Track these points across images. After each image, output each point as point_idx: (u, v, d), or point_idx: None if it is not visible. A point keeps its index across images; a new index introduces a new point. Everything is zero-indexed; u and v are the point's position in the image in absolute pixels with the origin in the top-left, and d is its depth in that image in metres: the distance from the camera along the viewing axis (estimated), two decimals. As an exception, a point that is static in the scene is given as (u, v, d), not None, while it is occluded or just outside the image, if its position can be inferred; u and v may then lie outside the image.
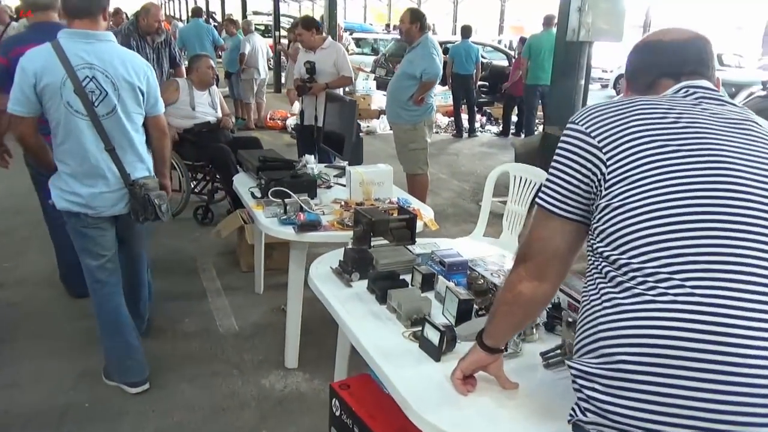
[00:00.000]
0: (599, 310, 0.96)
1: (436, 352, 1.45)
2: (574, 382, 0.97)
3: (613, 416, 0.91)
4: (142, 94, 2.31)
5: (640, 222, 0.93)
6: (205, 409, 2.37)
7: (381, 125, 8.54)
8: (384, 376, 1.42)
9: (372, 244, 2.06)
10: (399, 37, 11.22)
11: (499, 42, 15.41)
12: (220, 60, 9.14)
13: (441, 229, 2.68)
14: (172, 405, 2.39)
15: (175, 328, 2.98)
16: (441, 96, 8.69)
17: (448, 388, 1.33)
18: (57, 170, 2.29)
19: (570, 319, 1.44)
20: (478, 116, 9.32)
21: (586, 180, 1.02)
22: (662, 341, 0.87)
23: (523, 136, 8.42)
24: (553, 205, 1.06)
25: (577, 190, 1.03)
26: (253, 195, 2.78)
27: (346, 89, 6.66)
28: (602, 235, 0.99)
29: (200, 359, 2.72)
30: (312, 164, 3.07)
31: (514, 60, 9.10)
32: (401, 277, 1.86)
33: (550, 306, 1.58)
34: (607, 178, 0.98)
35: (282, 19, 12.60)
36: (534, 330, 1.56)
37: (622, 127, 0.99)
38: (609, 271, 0.96)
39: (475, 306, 1.68)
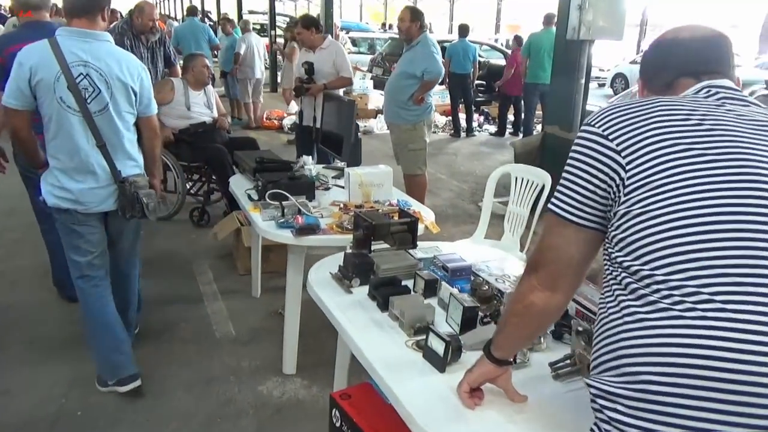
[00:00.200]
0: (620, 324, 0.91)
1: (441, 363, 1.40)
2: (593, 401, 0.92)
3: None
4: (135, 94, 2.35)
5: (663, 231, 0.88)
6: (201, 418, 2.31)
7: (378, 125, 8.48)
8: (387, 389, 1.37)
9: (372, 248, 2.01)
10: (396, 35, 11.19)
11: (496, 41, 15.39)
12: (216, 59, 9.06)
13: (441, 231, 2.62)
14: (167, 413, 2.33)
15: (170, 334, 2.91)
16: (438, 95, 8.64)
17: (454, 401, 1.28)
18: (45, 168, 2.34)
19: (579, 328, 1.39)
20: (475, 115, 9.27)
21: (603, 185, 0.96)
22: (692, 360, 0.82)
23: (521, 135, 8.38)
24: (568, 212, 1.00)
25: (593, 196, 0.98)
26: (249, 197, 2.72)
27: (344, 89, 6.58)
28: (621, 244, 0.93)
29: (196, 365, 2.66)
30: (310, 165, 3.01)
31: (509, 57, 9.04)
32: (403, 283, 1.81)
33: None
34: (627, 183, 0.93)
35: (278, 18, 12.53)
36: (542, 339, 1.51)
37: (643, 130, 0.94)
38: (629, 283, 0.91)
39: (480, 313, 1.63)
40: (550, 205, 1.04)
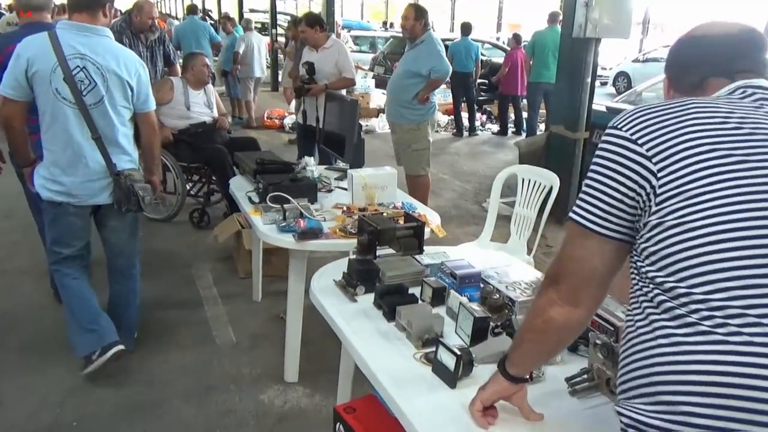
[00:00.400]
0: (653, 347, 0.83)
1: (451, 378, 1.32)
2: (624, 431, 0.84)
3: None
4: (131, 90, 2.37)
5: (702, 245, 0.81)
6: (200, 429, 2.25)
7: (380, 124, 8.41)
8: (394, 405, 1.30)
9: (377, 254, 1.94)
10: (398, 34, 11.11)
11: (498, 39, 15.29)
12: (216, 58, 8.98)
13: (445, 232, 2.55)
14: (165, 424, 2.26)
15: (169, 339, 2.84)
16: (441, 94, 8.55)
17: (466, 420, 1.21)
18: (30, 167, 2.41)
19: (598, 341, 1.31)
20: (478, 114, 9.19)
21: (631, 194, 0.89)
22: (740, 392, 0.74)
23: (523, 134, 8.30)
24: (592, 222, 0.93)
25: (620, 205, 0.90)
26: (250, 200, 2.65)
27: (345, 88, 6.46)
28: (653, 258, 0.86)
29: (195, 373, 2.59)
30: (312, 166, 2.94)
31: (505, 55, 8.95)
32: (410, 290, 1.74)
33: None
34: (658, 192, 0.85)
35: (279, 17, 12.44)
36: (557, 351, 1.44)
37: (676, 134, 0.86)
38: (663, 301, 0.84)
39: (491, 323, 1.55)
40: (571, 214, 0.96)
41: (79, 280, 2.50)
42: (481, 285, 1.76)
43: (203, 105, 4.40)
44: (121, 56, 2.33)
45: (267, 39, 10.06)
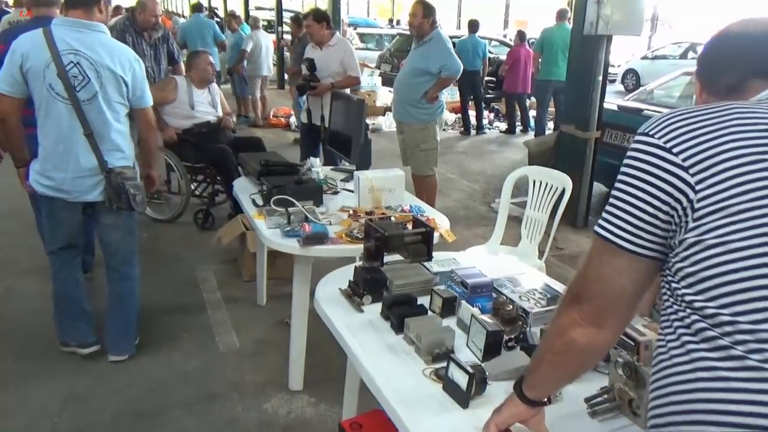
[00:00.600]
0: (692, 380, 0.75)
1: (463, 398, 1.25)
2: None
3: None
4: (126, 85, 2.35)
5: (749, 268, 0.72)
6: (202, 439, 2.19)
7: (387, 123, 8.33)
8: (402, 426, 1.22)
9: (384, 260, 1.87)
10: (405, 31, 11.00)
11: (505, 36, 15.15)
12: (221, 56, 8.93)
13: (453, 234, 2.47)
14: (166, 433, 2.20)
15: (171, 345, 2.78)
16: (448, 92, 8.45)
17: (480, 444, 1.13)
18: (24, 166, 2.43)
19: (619, 359, 1.24)
20: (485, 113, 9.09)
21: (665, 208, 0.80)
22: None
23: (530, 133, 8.20)
24: (621, 238, 0.84)
25: (652, 220, 0.82)
26: (254, 202, 2.58)
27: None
28: (690, 280, 0.78)
29: (198, 381, 2.53)
30: (317, 168, 2.87)
31: (508, 52, 8.83)
32: (419, 300, 1.66)
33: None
34: (696, 206, 0.77)
35: (285, 14, 12.36)
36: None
37: (715, 143, 0.78)
38: (702, 328, 0.75)
39: (504, 336, 1.48)
40: (597, 229, 0.88)
41: (71, 278, 2.55)
42: (494, 295, 1.69)
43: (207, 104, 4.33)
44: (115, 52, 2.32)
45: (273, 37, 10.01)
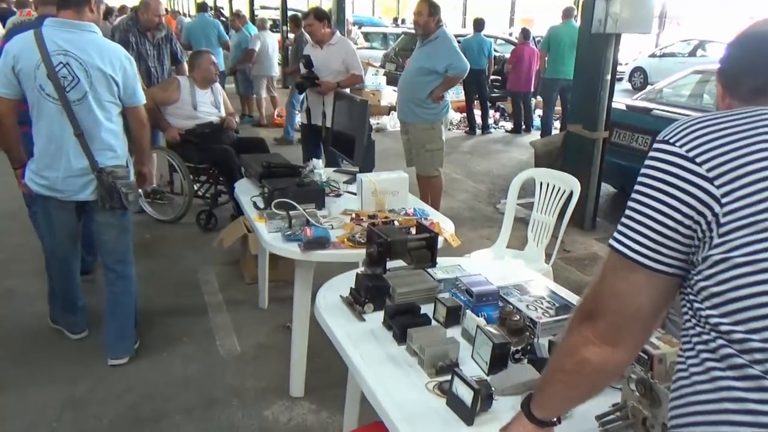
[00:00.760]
0: (717, 411, 0.70)
1: (468, 415, 1.20)
2: None
3: None
4: (117, 85, 2.35)
5: None
6: (201, 447, 2.14)
7: (391, 122, 8.27)
8: (405, 444, 1.17)
9: (387, 267, 1.81)
10: (410, 30, 10.94)
11: (510, 35, 15.05)
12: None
13: (458, 236, 2.41)
14: (165, 441, 2.16)
15: (171, 349, 2.74)
16: (453, 92, 8.38)
17: (486, 464, 1.08)
18: (21, 166, 2.45)
19: (633, 375, 1.18)
20: (491, 112, 9.01)
21: (687, 221, 0.75)
22: None
23: (534, 132, 8.13)
24: (639, 253, 0.79)
25: (673, 235, 0.76)
26: (255, 205, 2.54)
27: (356, 85, 6.28)
28: (715, 300, 0.72)
29: (198, 386, 2.49)
30: (320, 170, 2.82)
31: (511, 51, 8.76)
32: (422, 309, 1.61)
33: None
34: (722, 221, 0.72)
35: (290, 13, 12.32)
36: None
37: (743, 152, 0.72)
38: (729, 355, 0.70)
39: (511, 347, 1.42)
40: (613, 243, 0.83)
41: (67, 277, 2.61)
42: (500, 304, 1.63)
43: (210, 104, 4.29)
44: (105, 51, 2.32)
45: (278, 36, 9.96)
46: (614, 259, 0.82)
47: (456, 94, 8.86)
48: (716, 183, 0.72)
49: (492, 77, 9.06)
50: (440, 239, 2.11)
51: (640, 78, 14.09)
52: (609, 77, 4.30)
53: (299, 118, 5.00)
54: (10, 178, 2.77)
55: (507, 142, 8.09)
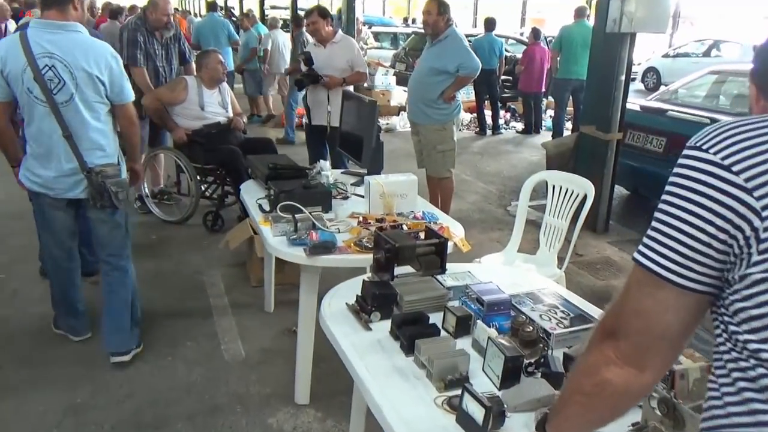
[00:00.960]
0: None
1: (479, 434, 1.13)
2: None
3: None
4: (103, 84, 2.34)
5: None
6: (203, 456, 2.09)
7: (401, 122, 8.20)
8: (412, 463, 1.11)
9: (395, 273, 1.75)
10: (419, 30, 10.87)
11: (521, 34, 14.93)
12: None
13: (467, 237, 2.34)
14: (167, 449, 2.12)
15: (175, 353, 2.70)
16: (463, 92, 8.30)
17: (498, 488, 1.02)
18: (17, 165, 2.49)
19: (655, 394, 1.11)
20: (501, 112, 8.92)
21: (722, 236, 0.68)
22: None
23: (545, 132, 8.02)
24: (667, 269, 0.72)
25: (706, 250, 0.70)
26: (261, 208, 2.49)
27: (365, 85, 6.21)
28: (754, 324, 0.65)
29: (201, 391, 2.44)
30: (327, 171, 2.76)
31: (523, 51, 8.65)
32: (431, 318, 1.55)
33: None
34: (762, 236, 0.65)
35: (300, 13, 12.31)
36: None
37: None
38: None
39: (524, 360, 1.36)
40: (638, 257, 0.76)
41: (66, 279, 2.62)
42: (512, 313, 1.57)
43: (218, 105, 4.25)
44: (90, 51, 2.30)
45: (289, 34, 9.95)
46: (639, 274, 0.76)
47: (466, 95, 8.78)
48: (755, 194, 0.66)
49: (503, 77, 8.97)
50: (450, 244, 2.04)
51: (653, 78, 13.91)
52: (623, 77, 4.21)
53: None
54: (14, 177, 2.75)
55: (518, 142, 8.00)
